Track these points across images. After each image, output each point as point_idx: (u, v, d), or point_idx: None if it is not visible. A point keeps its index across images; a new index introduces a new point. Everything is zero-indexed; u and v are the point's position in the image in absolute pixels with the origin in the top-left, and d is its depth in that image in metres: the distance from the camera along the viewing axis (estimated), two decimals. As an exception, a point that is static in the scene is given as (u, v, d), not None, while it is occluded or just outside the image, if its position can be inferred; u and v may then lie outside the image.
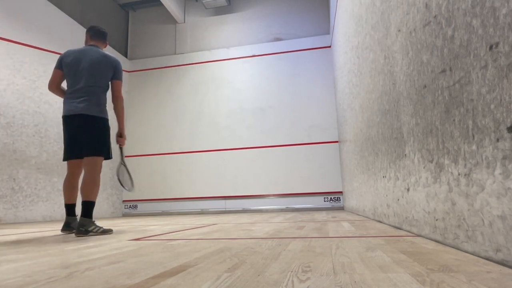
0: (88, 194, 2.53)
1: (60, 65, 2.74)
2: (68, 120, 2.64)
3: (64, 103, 2.70)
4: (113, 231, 2.69)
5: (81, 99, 2.62)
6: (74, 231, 2.57)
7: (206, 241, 1.89)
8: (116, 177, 2.99)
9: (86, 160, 2.63)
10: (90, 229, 2.44)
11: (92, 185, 2.56)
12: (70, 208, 2.67)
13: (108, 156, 2.76)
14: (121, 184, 3.01)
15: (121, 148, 3.03)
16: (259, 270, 1.01)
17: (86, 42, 2.89)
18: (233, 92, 7.66)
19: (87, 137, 2.63)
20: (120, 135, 2.96)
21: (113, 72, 2.76)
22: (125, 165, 3.07)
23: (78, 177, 2.74)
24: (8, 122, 5.29)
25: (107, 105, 2.79)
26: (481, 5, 1.01)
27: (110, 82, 2.79)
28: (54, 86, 2.75)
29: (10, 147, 5.26)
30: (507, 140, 0.90)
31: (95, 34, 2.87)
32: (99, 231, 2.48)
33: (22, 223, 4.93)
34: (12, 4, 5.63)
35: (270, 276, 0.93)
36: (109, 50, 7.65)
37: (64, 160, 2.74)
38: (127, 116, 8.03)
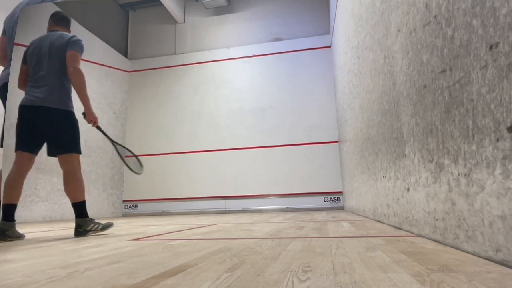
0: (74, 195, 2.41)
1: (24, 59, 2.52)
2: (26, 110, 2.41)
3: (25, 92, 2.47)
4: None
5: (42, 88, 2.38)
6: (9, 239, 2.19)
7: (206, 241, 1.89)
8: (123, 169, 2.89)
9: (61, 159, 2.42)
10: (88, 228, 2.39)
11: (75, 183, 2.41)
12: (8, 210, 2.27)
13: (78, 151, 2.52)
14: (131, 170, 2.87)
15: (99, 129, 2.68)
16: (259, 270, 1.01)
17: (48, 29, 2.64)
18: (233, 92, 7.66)
19: (55, 134, 2.40)
20: (85, 115, 2.56)
21: (67, 46, 2.43)
22: (115, 144, 2.84)
23: (26, 174, 2.45)
24: (11, 123, 5.28)
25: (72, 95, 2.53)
26: (481, 5, 1.01)
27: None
28: (21, 84, 2.54)
29: (11, 147, 5.25)
30: (507, 140, 0.90)
31: (60, 20, 2.66)
32: (98, 228, 2.43)
33: (22, 223, 4.93)
34: (12, 4, 5.63)
35: (270, 276, 0.93)
36: (109, 50, 7.66)
37: (16, 150, 2.47)
38: (127, 115, 8.04)
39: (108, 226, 2.51)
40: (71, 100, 2.50)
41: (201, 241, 1.90)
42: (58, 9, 5.16)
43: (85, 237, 2.31)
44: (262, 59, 7.69)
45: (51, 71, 2.42)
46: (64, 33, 2.55)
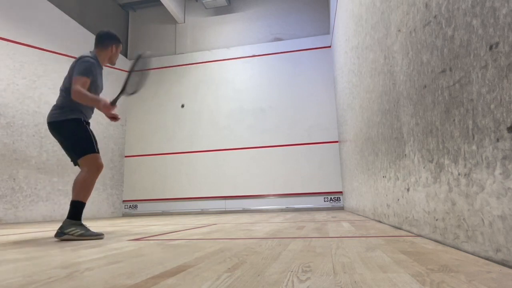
0: (75, 194, 2.35)
1: None
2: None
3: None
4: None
5: (53, 105, 2.55)
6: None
7: (206, 241, 1.89)
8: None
9: (79, 162, 2.49)
10: (67, 231, 2.20)
11: (81, 185, 2.37)
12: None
13: (92, 150, 2.47)
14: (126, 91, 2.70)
15: (116, 98, 2.67)
16: (259, 270, 1.01)
17: None
18: (233, 92, 7.66)
19: (65, 144, 2.51)
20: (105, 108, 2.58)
21: (74, 70, 2.47)
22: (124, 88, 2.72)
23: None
24: (8, 122, 5.29)
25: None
26: (481, 5, 1.01)
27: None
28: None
29: (10, 147, 5.26)
30: (507, 140, 0.90)
31: (96, 40, 2.73)
32: (76, 233, 2.20)
33: (22, 223, 4.93)
34: (12, 4, 5.63)
35: (270, 276, 0.93)
36: (109, 50, 7.65)
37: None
38: (127, 115, 8.04)
39: (91, 235, 2.24)
40: (70, 110, 2.48)
41: (201, 241, 1.90)
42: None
43: (85, 238, 2.29)
44: (262, 59, 7.69)
45: (60, 89, 2.55)
46: (82, 56, 2.56)
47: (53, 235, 2.26)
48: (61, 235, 2.18)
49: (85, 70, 2.49)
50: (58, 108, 2.49)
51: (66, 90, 2.52)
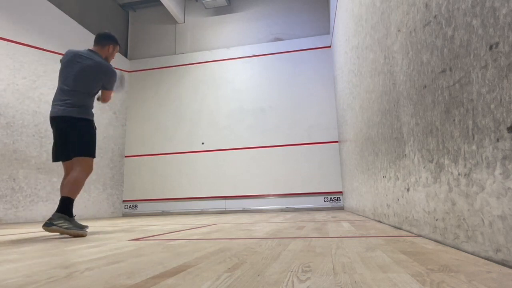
0: (67, 191, 2.45)
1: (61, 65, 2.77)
2: (52, 121, 2.62)
3: (52, 102, 2.66)
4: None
5: (64, 101, 2.59)
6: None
7: (206, 241, 1.89)
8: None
9: (74, 160, 2.58)
10: (55, 222, 2.31)
11: (74, 183, 2.48)
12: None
13: (94, 155, 2.69)
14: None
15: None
16: (259, 270, 1.01)
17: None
18: (233, 92, 7.66)
19: (71, 139, 2.59)
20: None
21: (104, 81, 2.77)
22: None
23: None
24: (8, 122, 5.29)
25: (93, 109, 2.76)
26: (481, 5, 1.01)
27: (101, 89, 2.82)
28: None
29: (10, 147, 5.26)
30: (507, 140, 0.90)
31: (95, 40, 2.87)
32: (63, 226, 2.31)
33: (22, 223, 4.93)
34: (12, 4, 5.63)
35: (270, 276, 0.93)
36: (109, 50, 7.65)
37: (53, 161, 2.70)
38: (127, 115, 8.05)
39: (77, 228, 2.36)
40: (88, 110, 2.68)
41: (201, 241, 1.90)
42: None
43: (85, 238, 2.30)
44: (262, 59, 7.69)
45: (75, 88, 2.65)
46: (101, 62, 2.75)
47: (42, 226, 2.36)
48: (50, 225, 2.30)
49: (114, 83, 2.87)
50: (75, 106, 2.61)
51: (81, 90, 2.64)
